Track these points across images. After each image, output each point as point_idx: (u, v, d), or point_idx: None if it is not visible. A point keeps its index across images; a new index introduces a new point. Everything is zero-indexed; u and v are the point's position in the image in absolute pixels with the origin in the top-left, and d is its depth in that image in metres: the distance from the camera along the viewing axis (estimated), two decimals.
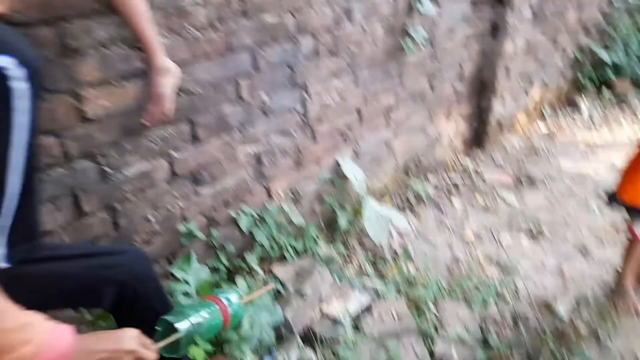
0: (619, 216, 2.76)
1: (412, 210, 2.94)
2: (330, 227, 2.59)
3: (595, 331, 1.96)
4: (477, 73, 3.38)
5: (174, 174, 1.79)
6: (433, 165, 3.34)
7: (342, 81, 2.38)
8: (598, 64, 4.48)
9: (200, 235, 1.93)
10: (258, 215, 2.18)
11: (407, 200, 3.02)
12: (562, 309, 2.10)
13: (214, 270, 2.02)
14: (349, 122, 2.54)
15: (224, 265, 2.04)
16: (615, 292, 2.16)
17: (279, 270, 2.14)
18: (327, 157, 2.50)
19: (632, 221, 1.99)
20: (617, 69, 4.49)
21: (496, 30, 3.26)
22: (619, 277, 2.16)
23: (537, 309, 2.13)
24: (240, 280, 1.96)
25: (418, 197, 3.01)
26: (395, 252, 2.52)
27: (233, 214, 2.09)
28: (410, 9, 2.51)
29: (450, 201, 3.02)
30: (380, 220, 2.35)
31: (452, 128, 3.39)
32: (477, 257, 2.51)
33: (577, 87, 4.52)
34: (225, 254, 2.07)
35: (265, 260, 2.24)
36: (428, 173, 3.31)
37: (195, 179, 1.89)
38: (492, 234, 2.71)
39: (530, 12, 3.39)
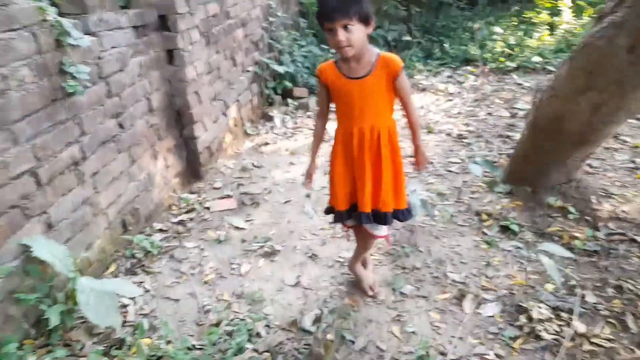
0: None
1: (144, 268, 2.55)
2: (41, 329, 1.99)
3: (341, 334, 2.02)
4: (168, 103, 3.20)
5: None
6: (153, 210, 3.01)
7: None
8: (276, 76, 4.94)
9: None
10: None
11: (136, 258, 2.60)
12: (308, 322, 2.11)
13: None
14: (25, 191, 1.98)
15: None
16: (355, 281, 2.32)
17: None
18: (6, 243, 1.88)
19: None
20: (292, 78, 5.06)
21: (171, 56, 3.14)
22: (350, 268, 2.34)
23: (289, 331, 2.09)
24: None
25: (146, 252, 2.64)
26: (135, 328, 2.10)
27: None
28: (59, 43, 2.11)
29: (182, 244, 2.75)
30: (102, 298, 1.90)
31: (161, 165, 3.12)
32: (222, 297, 2.33)
33: (266, 100, 4.88)
34: None
35: None
36: (150, 221, 2.96)
37: None
38: (231, 266, 2.57)
39: (199, 35, 3.41)
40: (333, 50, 1.88)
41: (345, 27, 1.66)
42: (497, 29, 6.52)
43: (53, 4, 2.17)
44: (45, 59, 2.05)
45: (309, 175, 2.12)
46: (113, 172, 2.60)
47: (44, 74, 2.04)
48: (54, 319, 1.93)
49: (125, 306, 2.25)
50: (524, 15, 7.09)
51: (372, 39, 1.74)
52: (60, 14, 2.14)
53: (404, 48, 6.61)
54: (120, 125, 2.66)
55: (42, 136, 2.07)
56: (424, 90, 5.43)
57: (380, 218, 1.97)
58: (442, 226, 2.78)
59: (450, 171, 3.48)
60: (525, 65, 5.79)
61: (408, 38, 6.57)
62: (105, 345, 2.01)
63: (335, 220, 2.07)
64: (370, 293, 2.25)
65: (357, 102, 1.83)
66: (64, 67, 2.13)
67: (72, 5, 2.32)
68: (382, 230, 2.07)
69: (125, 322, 2.16)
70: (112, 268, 2.52)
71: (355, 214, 2.02)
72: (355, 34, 1.68)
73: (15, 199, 1.93)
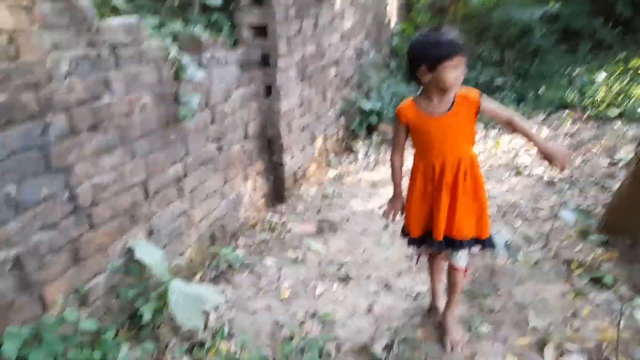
0: (404, 247, 2.98)
1: (226, 279, 2.73)
2: (134, 323, 2.20)
3: None
4: (261, 131, 3.46)
5: None
6: (239, 227, 3.22)
7: (115, 156, 2.11)
8: (362, 111, 5.10)
9: None
10: (31, 333, 1.70)
11: (219, 269, 2.80)
12: (379, 349, 2.12)
13: None
14: (135, 200, 2.26)
15: None
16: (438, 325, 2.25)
17: None
18: (114, 243, 2.15)
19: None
20: (377, 114, 5.19)
21: (269, 90, 3.41)
22: (442, 315, 2.24)
23: (358, 355, 2.11)
24: None
25: (230, 265, 2.82)
26: (214, 332, 2.26)
27: None
28: (177, 76, 2.42)
29: (262, 261, 2.91)
30: (190, 301, 2.08)
31: (250, 187, 3.35)
32: (296, 314, 2.42)
33: (351, 133, 5.05)
34: None
35: None
36: (235, 237, 3.17)
37: None
38: (306, 286, 2.67)
39: (296, 72, 3.67)
40: (419, 90, 1.97)
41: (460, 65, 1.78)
42: (600, 76, 6.19)
43: (175, 41, 2.50)
44: (165, 89, 2.36)
45: (394, 207, 2.16)
46: (208, 189, 2.85)
47: (162, 101, 2.35)
48: (146, 315, 2.14)
49: (207, 313, 2.42)
50: (630, 65, 6.67)
51: (464, 81, 1.82)
52: (180, 50, 2.46)
53: (495, 91, 6.48)
54: (219, 149, 2.93)
55: (154, 154, 2.35)
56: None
57: (454, 244, 1.98)
58: (526, 271, 2.67)
59: (538, 217, 3.34)
60: (630, 114, 5.41)
61: (500, 81, 6.45)
62: (190, 346, 2.17)
63: (409, 243, 2.14)
64: (449, 350, 2.10)
65: (437, 139, 1.90)
66: (178, 97, 2.44)
67: (191, 44, 2.65)
68: (462, 259, 2.05)
69: (205, 326, 2.32)
70: (198, 276, 2.73)
71: (429, 241, 2.04)
72: (462, 72, 1.79)
73: (126, 206, 2.21)
